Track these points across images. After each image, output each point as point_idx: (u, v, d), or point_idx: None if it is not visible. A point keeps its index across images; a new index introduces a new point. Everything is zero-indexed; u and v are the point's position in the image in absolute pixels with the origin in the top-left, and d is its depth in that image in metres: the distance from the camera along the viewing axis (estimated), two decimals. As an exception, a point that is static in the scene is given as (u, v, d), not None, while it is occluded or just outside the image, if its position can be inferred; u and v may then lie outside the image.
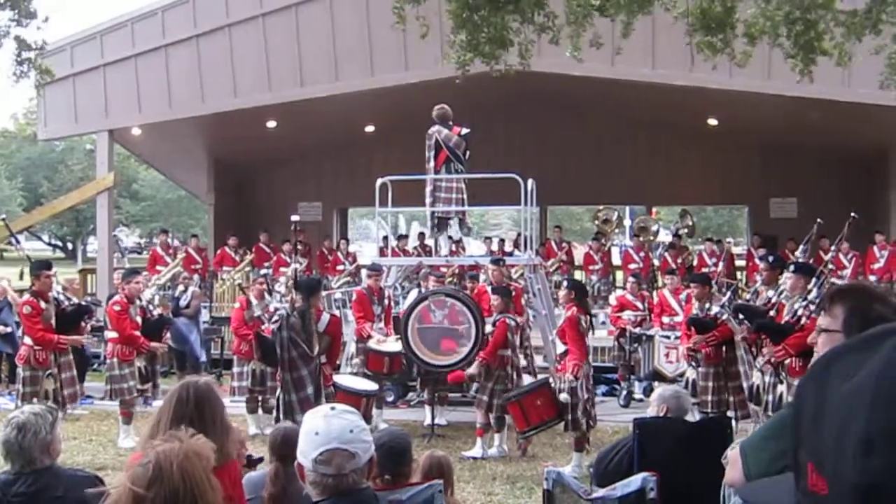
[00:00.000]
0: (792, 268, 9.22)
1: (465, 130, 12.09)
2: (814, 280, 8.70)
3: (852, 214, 11.04)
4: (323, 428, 2.70)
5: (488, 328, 10.24)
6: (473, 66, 10.59)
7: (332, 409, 2.81)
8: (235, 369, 11.62)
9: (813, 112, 15.23)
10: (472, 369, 10.08)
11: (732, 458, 2.59)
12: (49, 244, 55.22)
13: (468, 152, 12.13)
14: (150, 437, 3.24)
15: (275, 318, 9.92)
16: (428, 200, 12.12)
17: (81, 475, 4.12)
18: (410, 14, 10.48)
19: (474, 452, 9.90)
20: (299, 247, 12.67)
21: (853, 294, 2.64)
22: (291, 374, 8.96)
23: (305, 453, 2.70)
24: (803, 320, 8.36)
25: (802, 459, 1.29)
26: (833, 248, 13.12)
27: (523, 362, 11.25)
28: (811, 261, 11.91)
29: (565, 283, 10.49)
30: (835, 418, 1.21)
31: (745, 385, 9.84)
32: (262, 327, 10.81)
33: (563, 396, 9.27)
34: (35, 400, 9.07)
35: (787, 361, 8.59)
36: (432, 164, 12.03)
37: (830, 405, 1.23)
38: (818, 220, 11.74)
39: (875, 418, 1.14)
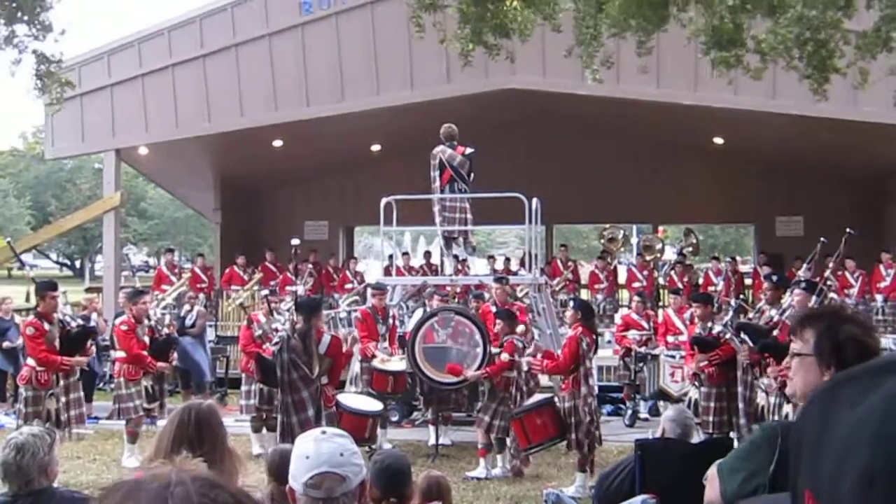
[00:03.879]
0: (802, 285, 9.17)
1: (468, 150, 12.12)
2: (813, 298, 8.66)
3: (848, 230, 11.00)
4: (313, 452, 2.69)
5: (494, 349, 10.21)
6: (475, 86, 10.67)
7: (323, 432, 2.81)
8: (243, 387, 11.51)
9: (820, 131, 15.20)
10: (471, 373, 10.08)
11: (710, 478, 2.65)
12: (57, 262, 55.40)
13: (472, 172, 12.15)
14: (151, 458, 3.25)
15: (275, 339, 9.90)
16: (437, 220, 12.16)
17: (78, 497, 4.12)
18: (415, 25, 10.60)
19: (478, 473, 9.85)
20: (308, 265, 12.69)
21: (822, 317, 2.63)
22: (292, 397, 8.91)
23: (296, 477, 2.69)
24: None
25: (801, 485, 1.26)
26: (831, 264, 13.03)
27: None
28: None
29: (572, 304, 10.45)
30: (835, 448, 1.18)
31: (742, 406, 9.77)
32: (264, 347, 10.77)
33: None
34: (36, 420, 9.07)
35: (792, 380, 8.53)
36: (437, 183, 12.06)
37: (833, 433, 1.20)
38: (822, 239, 11.71)
39: (877, 455, 1.10)
